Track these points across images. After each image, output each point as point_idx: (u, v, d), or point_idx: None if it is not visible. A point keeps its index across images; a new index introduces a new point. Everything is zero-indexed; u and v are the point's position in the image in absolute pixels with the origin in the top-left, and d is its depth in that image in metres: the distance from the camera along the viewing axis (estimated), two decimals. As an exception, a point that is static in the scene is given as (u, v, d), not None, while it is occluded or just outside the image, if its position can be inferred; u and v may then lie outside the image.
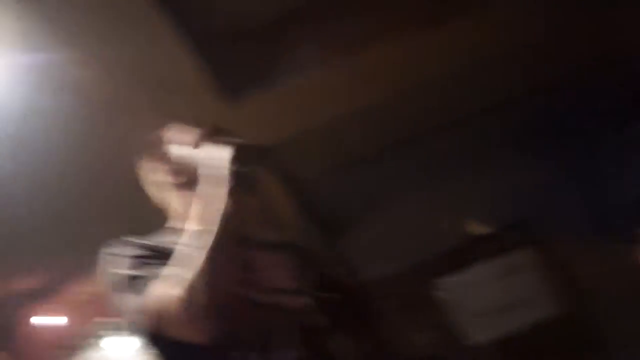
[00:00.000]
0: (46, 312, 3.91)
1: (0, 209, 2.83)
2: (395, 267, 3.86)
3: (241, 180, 1.03)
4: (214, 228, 0.99)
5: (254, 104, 2.63)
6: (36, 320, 4.04)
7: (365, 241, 3.89)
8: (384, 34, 2.56)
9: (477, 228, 3.84)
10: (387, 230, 3.87)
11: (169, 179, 1.21)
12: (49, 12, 1.98)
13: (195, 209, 1.05)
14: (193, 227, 1.02)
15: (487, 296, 3.74)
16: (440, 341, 3.81)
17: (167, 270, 1.01)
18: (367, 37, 2.57)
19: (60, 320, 3.96)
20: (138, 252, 1.08)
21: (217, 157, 1.04)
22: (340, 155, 3.32)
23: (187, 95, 2.41)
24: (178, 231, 1.09)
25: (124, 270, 1.05)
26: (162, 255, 1.05)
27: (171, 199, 1.24)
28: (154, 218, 1.26)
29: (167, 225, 1.25)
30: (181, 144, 1.13)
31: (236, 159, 1.03)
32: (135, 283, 1.02)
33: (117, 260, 1.08)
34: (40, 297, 3.82)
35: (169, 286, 0.97)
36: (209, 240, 0.98)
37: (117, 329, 3.79)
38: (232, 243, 1.01)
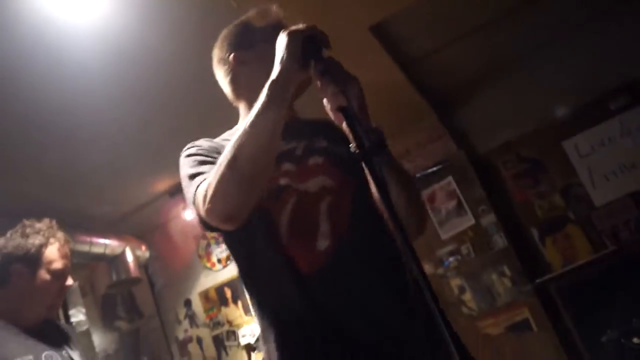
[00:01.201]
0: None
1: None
2: (521, 131, 3.74)
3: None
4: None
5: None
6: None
7: (487, 110, 3.76)
8: None
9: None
10: (510, 97, 3.71)
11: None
12: None
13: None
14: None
15: (617, 153, 3.55)
16: (567, 203, 3.72)
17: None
18: None
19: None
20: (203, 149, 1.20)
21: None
22: (451, 28, 3.14)
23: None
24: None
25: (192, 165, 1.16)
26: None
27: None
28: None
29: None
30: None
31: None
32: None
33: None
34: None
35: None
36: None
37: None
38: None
